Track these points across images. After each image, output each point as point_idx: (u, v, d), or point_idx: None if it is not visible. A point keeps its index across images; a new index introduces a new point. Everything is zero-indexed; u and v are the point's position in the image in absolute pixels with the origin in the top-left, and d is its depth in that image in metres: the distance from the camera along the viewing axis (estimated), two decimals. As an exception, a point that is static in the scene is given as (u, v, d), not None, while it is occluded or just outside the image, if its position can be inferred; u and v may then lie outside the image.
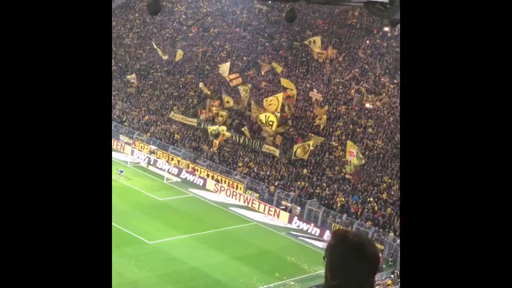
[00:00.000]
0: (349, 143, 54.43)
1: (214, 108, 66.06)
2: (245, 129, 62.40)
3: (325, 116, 60.62)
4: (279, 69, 67.96)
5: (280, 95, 62.19)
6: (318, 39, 67.64)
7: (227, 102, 65.74)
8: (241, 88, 65.62)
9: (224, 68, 69.23)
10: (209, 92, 68.56)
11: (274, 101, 61.68)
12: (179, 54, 74.48)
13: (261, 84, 68.72)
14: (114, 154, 64.55)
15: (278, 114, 60.98)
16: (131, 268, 41.22)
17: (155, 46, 76.38)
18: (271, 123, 60.06)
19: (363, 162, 53.84)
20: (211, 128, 63.40)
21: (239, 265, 43.83)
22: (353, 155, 53.04)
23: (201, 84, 69.75)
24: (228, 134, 61.98)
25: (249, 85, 66.27)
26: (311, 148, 57.77)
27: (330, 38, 71.25)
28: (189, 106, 70.09)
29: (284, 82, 64.67)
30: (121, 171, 58.53)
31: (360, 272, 3.90)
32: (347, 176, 54.23)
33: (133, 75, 75.14)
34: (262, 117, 60.54)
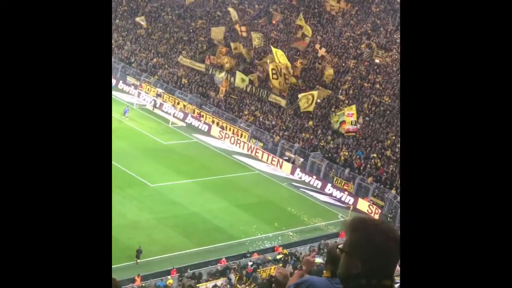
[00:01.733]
0: (354, 107, 54.48)
1: (222, 55, 65.72)
2: (253, 76, 62.21)
3: (330, 75, 60.20)
4: (307, 30, 66.96)
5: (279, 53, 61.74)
6: None
7: (235, 49, 65.37)
8: (254, 35, 65.32)
9: (233, 14, 68.93)
10: (221, 38, 68.21)
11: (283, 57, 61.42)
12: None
13: (272, 34, 68.27)
14: (120, 95, 64.69)
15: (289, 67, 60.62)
16: (133, 209, 41.55)
17: None
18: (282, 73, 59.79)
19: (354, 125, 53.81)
20: (220, 75, 63.43)
21: (239, 212, 44.13)
22: (350, 116, 53.22)
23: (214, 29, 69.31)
24: (247, 79, 61.65)
25: (261, 34, 65.86)
26: (316, 99, 57.55)
27: (344, -10, 70.51)
28: (198, 51, 69.78)
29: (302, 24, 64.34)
30: (126, 110, 58.65)
31: (388, 255, 3.51)
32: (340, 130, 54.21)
33: (143, 17, 74.75)
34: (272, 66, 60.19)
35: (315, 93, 57.59)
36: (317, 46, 64.09)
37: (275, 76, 59.45)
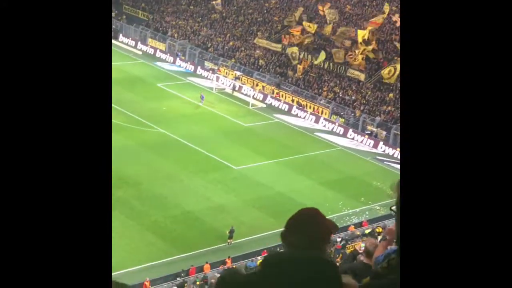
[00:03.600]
0: None
1: (298, 34, 65.38)
2: (332, 52, 61.90)
3: None
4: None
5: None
6: None
7: (309, 27, 65.06)
8: (328, 11, 64.82)
9: None
10: (295, 19, 67.95)
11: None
12: None
13: (346, 8, 67.60)
14: (199, 81, 65.32)
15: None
16: (219, 192, 41.98)
17: None
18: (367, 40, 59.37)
19: None
20: (291, 50, 63.37)
21: (324, 190, 44.05)
22: None
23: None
24: (323, 57, 61.60)
25: (336, 10, 65.26)
26: (398, 72, 56.84)
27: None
28: (273, 31, 69.69)
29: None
30: (202, 97, 59.03)
31: None
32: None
33: (218, 1, 74.94)
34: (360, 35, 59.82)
35: (397, 65, 56.88)
36: (394, 17, 63.16)
37: (351, 54, 59.25)
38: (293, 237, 4.09)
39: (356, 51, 59.59)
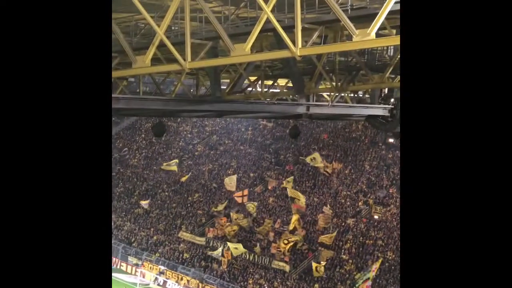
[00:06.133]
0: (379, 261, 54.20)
1: (222, 226, 65.77)
2: (255, 246, 62.08)
3: (330, 237, 59.98)
4: (289, 185, 67.87)
5: (295, 217, 61.89)
6: (317, 155, 67.78)
7: (236, 219, 65.55)
8: (249, 205, 65.56)
9: (231, 182, 69.54)
10: (220, 209, 68.52)
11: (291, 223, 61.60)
12: (185, 177, 75.49)
13: (269, 200, 68.73)
14: (123, 276, 64.18)
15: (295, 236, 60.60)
16: None
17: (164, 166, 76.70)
18: (286, 242, 59.52)
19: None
20: (212, 253, 63.54)
21: None
22: (374, 271, 52.70)
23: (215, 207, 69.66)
24: (243, 249, 61.45)
25: (255, 203, 66.06)
26: (323, 265, 57.06)
27: (335, 151, 71.70)
28: (197, 224, 69.95)
29: (292, 193, 64.72)
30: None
31: None
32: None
33: (147, 201, 75.09)
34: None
35: (323, 263, 57.16)
36: (325, 208, 64.26)
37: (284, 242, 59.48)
38: None
39: (281, 242, 59.86)
